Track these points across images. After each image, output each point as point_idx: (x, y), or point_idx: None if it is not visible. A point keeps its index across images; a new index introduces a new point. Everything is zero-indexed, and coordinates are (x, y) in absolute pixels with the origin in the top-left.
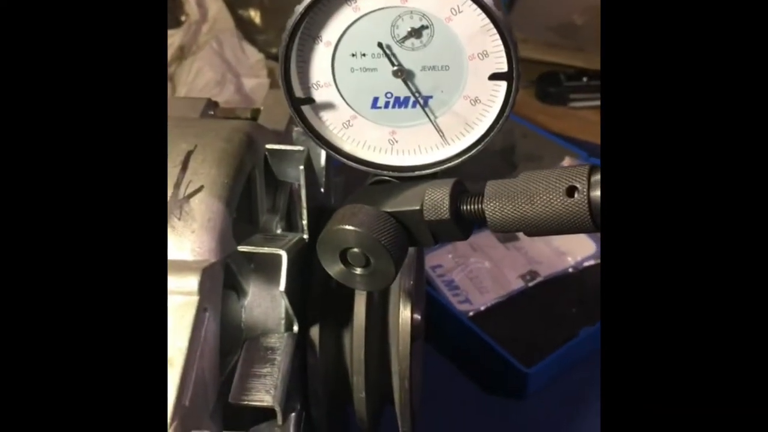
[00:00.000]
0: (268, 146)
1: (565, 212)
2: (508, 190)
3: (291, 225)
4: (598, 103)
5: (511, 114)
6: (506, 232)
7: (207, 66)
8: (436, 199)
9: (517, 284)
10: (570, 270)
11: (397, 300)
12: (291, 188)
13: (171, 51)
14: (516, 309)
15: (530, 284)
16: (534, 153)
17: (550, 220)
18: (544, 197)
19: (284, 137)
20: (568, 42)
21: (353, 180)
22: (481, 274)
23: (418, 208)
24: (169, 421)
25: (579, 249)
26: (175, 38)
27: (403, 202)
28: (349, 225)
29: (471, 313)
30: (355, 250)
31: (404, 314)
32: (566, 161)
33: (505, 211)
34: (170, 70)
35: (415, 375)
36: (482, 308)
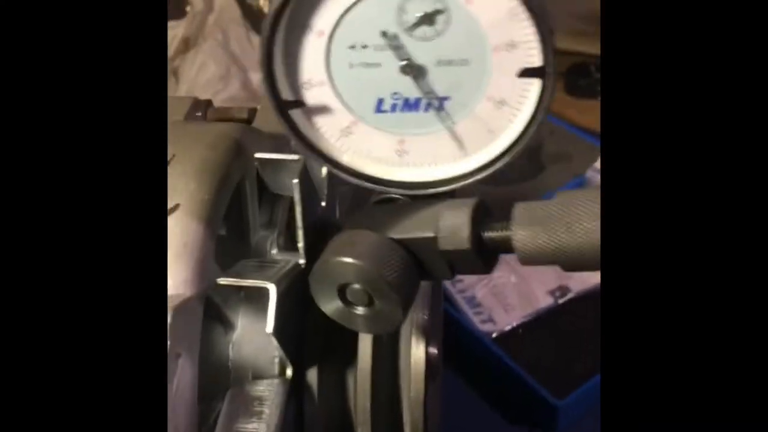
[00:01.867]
0: (258, 155)
1: None
2: (542, 215)
3: (293, 242)
4: None
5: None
6: (539, 265)
7: (210, 60)
8: (454, 224)
9: (546, 301)
10: None
11: (408, 336)
12: (292, 200)
13: (174, 44)
14: (545, 330)
15: (560, 301)
16: (563, 152)
17: (593, 253)
18: (586, 225)
19: (284, 141)
20: (598, 30)
21: (363, 189)
22: (506, 290)
23: (431, 235)
24: None
25: None
26: (178, 30)
27: (414, 228)
28: (347, 257)
29: (495, 334)
30: (356, 286)
31: (417, 353)
32: (599, 162)
33: (539, 240)
34: (173, 64)
35: (432, 419)
36: (507, 328)
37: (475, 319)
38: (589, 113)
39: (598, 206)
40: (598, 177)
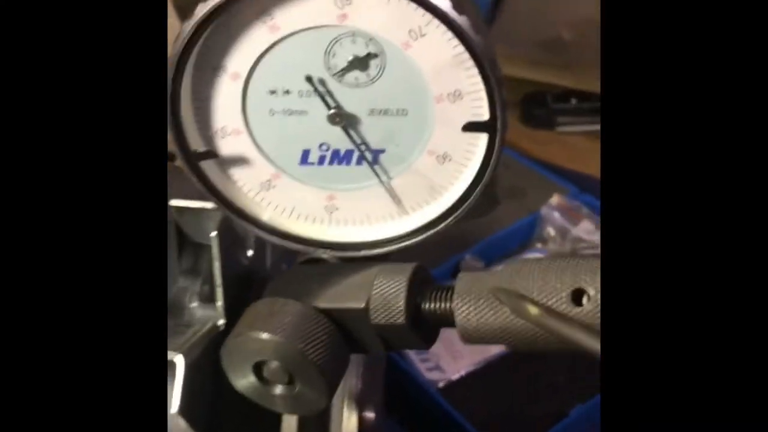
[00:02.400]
0: (174, 202)
1: None
2: (489, 287)
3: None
4: (587, 128)
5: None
6: (484, 344)
7: None
8: (388, 294)
9: (497, 348)
10: None
11: (340, 405)
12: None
13: None
14: (495, 379)
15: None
16: (517, 186)
17: (542, 335)
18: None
19: None
20: (556, 59)
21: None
22: (454, 335)
23: (362, 306)
24: None
25: None
26: None
27: (343, 296)
28: (264, 332)
29: (441, 384)
30: (274, 364)
31: (350, 425)
32: (555, 198)
33: (483, 317)
34: None
35: None
36: (455, 377)
37: (422, 367)
38: (544, 145)
39: (556, 280)
40: (554, 214)
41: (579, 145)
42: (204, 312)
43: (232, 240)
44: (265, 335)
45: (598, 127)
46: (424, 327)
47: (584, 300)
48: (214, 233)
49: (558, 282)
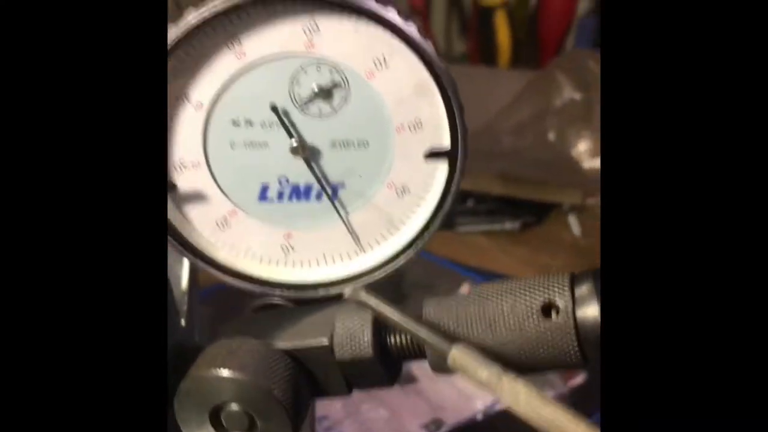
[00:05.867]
0: None
1: (540, 341)
2: (458, 312)
3: None
4: (487, 227)
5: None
6: (454, 372)
7: None
8: (353, 328)
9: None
10: (479, 417)
11: None
12: None
13: None
14: None
15: None
16: (425, 281)
17: (520, 354)
18: (510, 321)
19: None
20: None
21: (227, 310)
22: (376, 426)
23: (326, 343)
24: None
25: None
26: None
27: (304, 334)
28: (225, 369)
29: None
30: (234, 407)
31: None
32: (464, 288)
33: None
34: None
35: None
36: None
37: None
38: (446, 244)
39: (525, 297)
40: None
41: (479, 244)
42: None
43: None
44: (225, 373)
45: (495, 226)
46: (389, 362)
47: (554, 313)
48: None
49: (527, 297)
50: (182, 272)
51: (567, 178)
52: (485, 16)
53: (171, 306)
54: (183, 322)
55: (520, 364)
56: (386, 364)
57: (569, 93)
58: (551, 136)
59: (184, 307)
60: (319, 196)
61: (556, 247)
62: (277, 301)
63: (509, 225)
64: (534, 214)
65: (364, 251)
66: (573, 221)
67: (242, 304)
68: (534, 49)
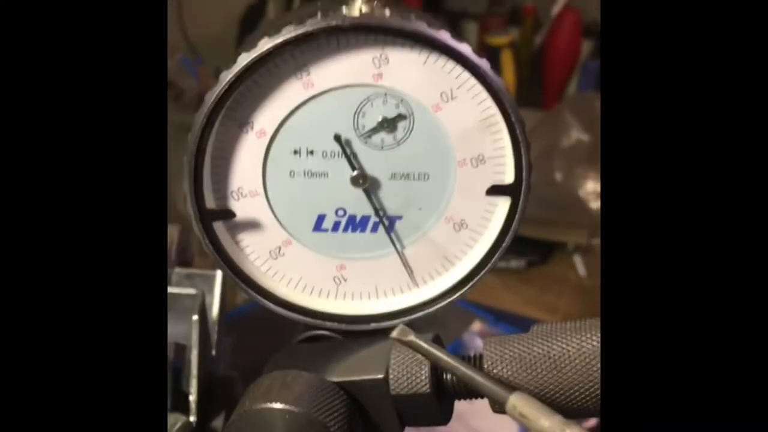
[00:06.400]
0: None
1: None
2: (521, 351)
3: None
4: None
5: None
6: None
7: None
8: (410, 363)
9: None
10: None
11: None
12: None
13: None
14: None
15: None
16: (436, 318)
17: (588, 393)
18: (577, 361)
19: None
20: None
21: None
22: None
23: (381, 376)
24: None
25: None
26: None
27: (358, 368)
28: (279, 402)
29: None
30: None
31: None
32: (476, 325)
33: (520, 382)
34: None
35: None
36: None
37: None
38: None
39: (591, 336)
40: (476, 340)
41: (488, 282)
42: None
43: (204, 335)
44: (279, 405)
45: (501, 264)
46: (444, 399)
47: None
48: (195, 317)
49: (594, 335)
50: (213, 302)
51: (573, 218)
52: (492, 55)
53: (207, 336)
54: (213, 351)
55: (586, 404)
56: (443, 402)
57: (577, 133)
58: (558, 175)
59: (214, 337)
60: (374, 228)
61: (561, 286)
62: (325, 332)
63: (515, 263)
64: (539, 253)
65: (417, 285)
66: (578, 261)
67: (260, 334)
68: (537, 90)
